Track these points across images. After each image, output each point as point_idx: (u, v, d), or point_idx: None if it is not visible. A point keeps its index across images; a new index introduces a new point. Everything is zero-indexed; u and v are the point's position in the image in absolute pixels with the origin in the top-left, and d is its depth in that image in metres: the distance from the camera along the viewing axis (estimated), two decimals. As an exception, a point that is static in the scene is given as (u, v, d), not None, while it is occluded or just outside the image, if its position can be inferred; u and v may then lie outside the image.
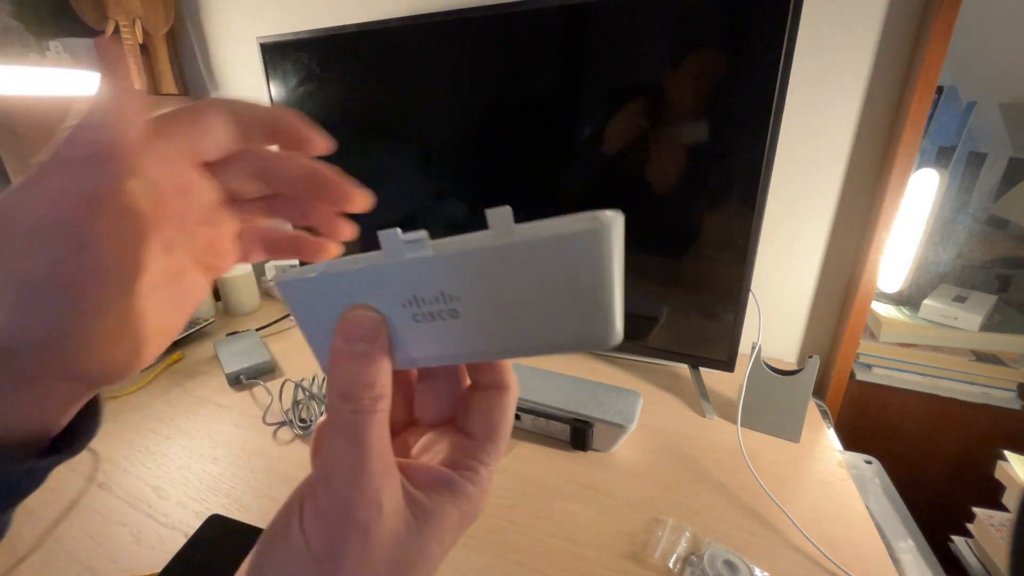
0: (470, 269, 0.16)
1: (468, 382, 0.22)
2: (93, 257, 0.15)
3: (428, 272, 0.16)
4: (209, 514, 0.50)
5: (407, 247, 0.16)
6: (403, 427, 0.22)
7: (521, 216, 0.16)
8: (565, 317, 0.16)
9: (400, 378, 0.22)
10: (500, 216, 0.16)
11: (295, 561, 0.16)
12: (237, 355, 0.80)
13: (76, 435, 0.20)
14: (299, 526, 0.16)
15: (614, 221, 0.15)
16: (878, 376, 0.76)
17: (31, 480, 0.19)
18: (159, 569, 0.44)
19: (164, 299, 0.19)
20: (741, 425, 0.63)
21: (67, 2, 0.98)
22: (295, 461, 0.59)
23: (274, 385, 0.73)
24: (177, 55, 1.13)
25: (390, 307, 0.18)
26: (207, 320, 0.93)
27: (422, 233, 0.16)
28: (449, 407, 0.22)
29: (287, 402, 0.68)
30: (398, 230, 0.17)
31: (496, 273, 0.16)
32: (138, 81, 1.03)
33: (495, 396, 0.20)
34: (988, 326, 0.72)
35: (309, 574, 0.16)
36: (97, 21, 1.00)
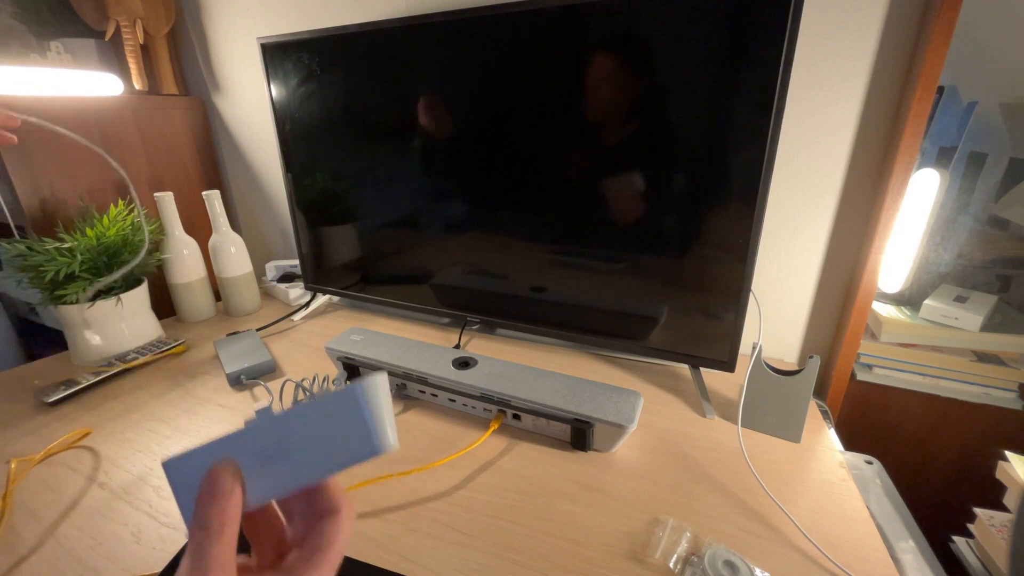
0: (292, 422, 0.25)
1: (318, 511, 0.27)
2: None
3: (270, 427, 0.25)
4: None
5: (258, 414, 0.25)
6: (274, 563, 0.27)
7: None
8: (355, 439, 0.24)
9: (267, 527, 0.27)
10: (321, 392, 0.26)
11: None
12: (237, 355, 0.80)
13: None
14: None
15: (373, 382, 0.24)
16: (879, 376, 0.76)
17: None
18: (160, 569, 0.44)
19: None
20: (742, 425, 0.63)
21: (68, 2, 0.98)
22: (295, 461, 0.59)
23: (275, 385, 0.73)
24: (178, 55, 1.13)
25: (245, 459, 0.24)
26: (175, 342, 0.86)
27: (266, 404, 0.27)
28: (303, 533, 0.27)
29: (287, 402, 0.68)
30: (270, 408, 0.26)
31: (313, 419, 0.24)
32: (139, 81, 1.04)
33: (331, 520, 0.25)
34: (989, 326, 0.72)
35: None
36: (98, 21, 1.00)
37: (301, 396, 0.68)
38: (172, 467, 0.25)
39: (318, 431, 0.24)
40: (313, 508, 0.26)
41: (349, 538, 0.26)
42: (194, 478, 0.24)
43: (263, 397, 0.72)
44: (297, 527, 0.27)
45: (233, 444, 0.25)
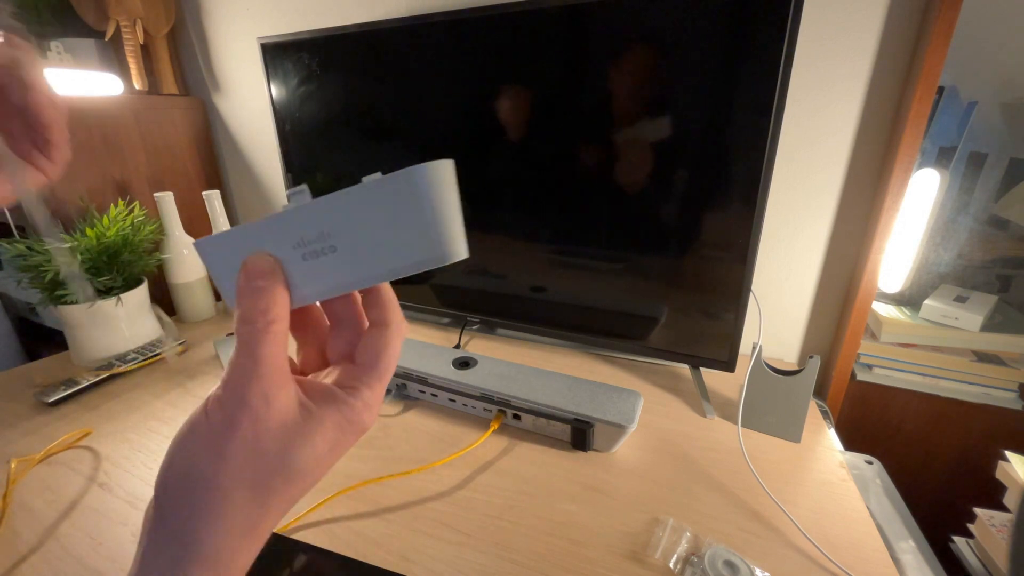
0: (340, 209, 0.21)
1: (367, 326, 0.25)
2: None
3: (309, 216, 0.21)
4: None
5: (292, 198, 0.21)
6: (319, 367, 0.27)
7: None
8: (412, 238, 0.20)
9: (314, 329, 0.27)
10: (370, 177, 0.21)
11: (197, 439, 0.20)
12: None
13: None
14: (203, 413, 0.21)
15: (436, 165, 0.20)
16: (879, 376, 0.76)
17: None
18: (160, 569, 0.44)
19: None
20: (742, 425, 0.63)
21: (68, 3, 0.98)
22: (295, 461, 0.59)
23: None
24: (178, 55, 1.13)
25: (283, 251, 0.22)
26: (175, 342, 0.88)
27: (303, 186, 0.22)
28: (352, 348, 0.26)
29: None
30: (305, 188, 0.22)
31: (359, 209, 0.20)
32: (139, 81, 1.04)
33: (379, 332, 0.24)
34: (989, 326, 0.72)
35: (207, 443, 0.20)
36: (98, 22, 1.00)
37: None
38: (205, 246, 0.23)
39: (368, 224, 0.21)
40: (359, 317, 0.25)
41: (398, 358, 0.24)
42: (233, 261, 0.22)
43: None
44: (342, 334, 0.26)
45: (268, 230, 0.22)
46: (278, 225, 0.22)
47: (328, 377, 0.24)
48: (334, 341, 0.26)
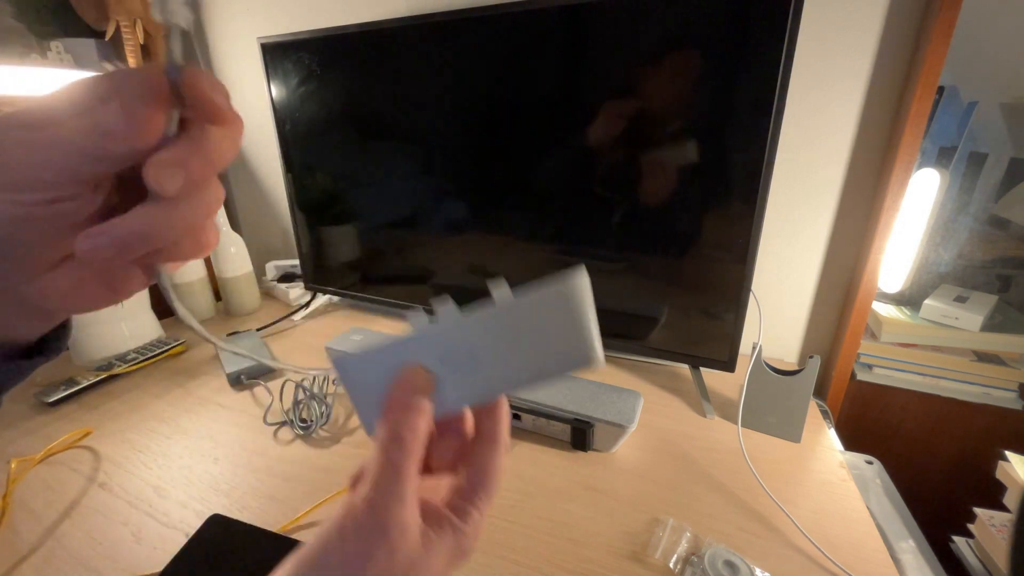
0: (491, 325, 0.21)
1: (471, 435, 0.25)
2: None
3: (457, 333, 0.22)
4: (210, 514, 0.50)
5: (438, 312, 0.22)
6: (420, 474, 0.26)
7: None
8: (558, 351, 0.21)
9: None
10: (499, 287, 0.22)
11: (331, 569, 0.20)
12: (238, 355, 0.80)
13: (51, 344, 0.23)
14: (338, 537, 0.20)
15: (580, 277, 0.21)
16: (879, 376, 0.76)
17: (17, 376, 0.22)
18: (160, 569, 0.44)
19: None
20: (742, 425, 0.63)
21: (68, 2, 0.98)
22: (295, 461, 0.59)
23: (275, 385, 0.73)
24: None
25: (430, 365, 0.22)
26: (175, 342, 0.86)
27: (447, 300, 0.22)
28: (455, 458, 0.25)
29: (287, 402, 0.68)
30: (423, 314, 0.23)
31: (510, 324, 0.21)
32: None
33: (490, 448, 0.24)
34: (989, 326, 0.72)
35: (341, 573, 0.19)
36: (98, 22, 1.00)
37: (301, 396, 0.68)
38: (343, 364, 0.23)
39: (517, 338, 0.21)
40: (465, 426, 0.24)
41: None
42: (372, 379, 0.22)
43: (263, 397, 0.72)
44: (448, 442, 0.25)
45: (417, 347, 0.22)
46: (425, 341, 0.22)
47: (437, 493, 0.24)
48: (439, 449, 0.25)
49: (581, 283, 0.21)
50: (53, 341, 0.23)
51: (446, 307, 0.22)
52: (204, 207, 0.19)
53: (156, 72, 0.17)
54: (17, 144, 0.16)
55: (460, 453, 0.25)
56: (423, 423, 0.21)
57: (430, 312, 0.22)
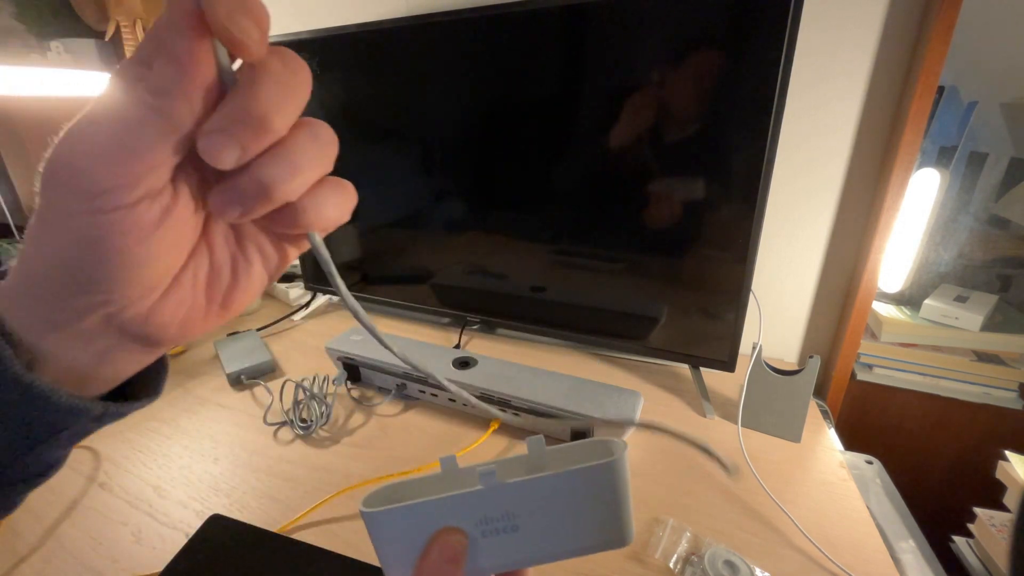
0: (532, 493, 0.21)
1: None
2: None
3: (499, 498, 0.21)
4: (210, 514, 0.50)
5: (482, 478, 0.21)
6: None
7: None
8: (597, 523, 0.21)
9: None
10: (535, 443, 0.23)
11: None
12: (237, 355, 0.80)
13: (146, 385, 0.23)
14: None
15: (624, 450, 0.21)
16: (879, 376, 0.76)
17: (106, 421, 0.22)
18: (160, 569, 0.44)
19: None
20: (742, 425, 0.63)
21: (68, 3, 0.98)
22: (295, 461, 0.59)
23: (275, 385, 0.73)
24: (178, 55, 1.13)
25: (467, 527, 0.21)
26: None
27: (492, 466, 0.21)
28: None
29: (287, 402, 0.68)
30: (454, 457, 0.23)
31: (550, 494, 0.21)
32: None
33: None
34: (989, 326, 0.72)
35: None
36: (98, 22, 1.00)
37: (301, 396, 0.68)
38: (376, 520, 0.22)
39: (558, 508, 0.21)
40: None
41: None
42: (402, 534, 0.21)
43: (263, 397, 0.72)
44: None
45: (453, 507, 0.21)
46: (465, 503, 0.21)
47: None
48: None
49: (624, 457, 0.20)
50: (151, 380, 0.23)
51: (490, 471, 0.21)
52: (307, 151, 0.17)
53: (185, 2, 0.14)
54: (83, 155, 0.15)
55: None
56: None
57: (463, 470, 0.22)
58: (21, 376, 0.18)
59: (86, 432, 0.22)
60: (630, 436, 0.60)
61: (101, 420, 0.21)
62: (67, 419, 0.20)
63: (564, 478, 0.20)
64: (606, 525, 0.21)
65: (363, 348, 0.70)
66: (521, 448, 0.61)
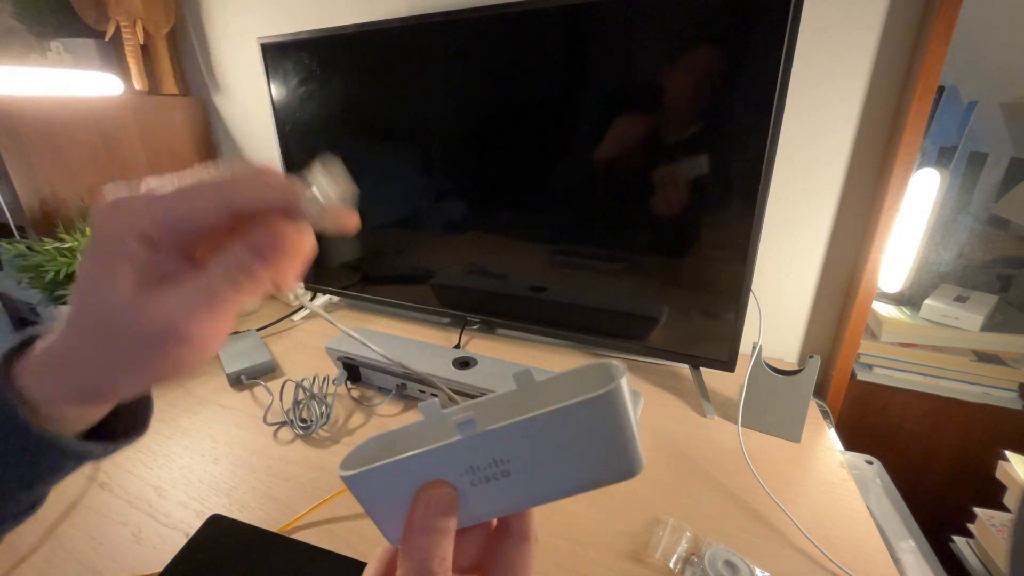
0: (517, 437, 0.19)
1: (494, 527, 0.23)
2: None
3: (482, 445, 0.19)
4: (210, 514, 0.50)
5: (459, 428, 0.19)
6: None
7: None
8: (597, 458, 0.19)
9: None
10: (523, 377, 0.21)
11: None
12: (237, 355, 0.80)
13: (128, 425, 0.25)
14: None
15: (623, 375, 0.19)
16: (879, 376, 0.75)
17: (85, 460, 0.23)
18: (160, 569, 0.44)
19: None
20: (742, 425, 0.63)
21: (68, 2, 0.98)
22: (295, 461, 0.59)
23: (275, 385, 0.73)
24: (178, 55, 1.13)
25: (453, 478, 0.20)
26: None
27: (470, 413, 0.19)
28: (479, 554, 0.23)
29: (287, 402, 0.68)
30: (436, 403, 0.21)
31: (539, 435, 0.19)
32: (139, 81, 1.04)
33: (520, 545, 0.22)
34: (989, 326, 0.72)
35: None
36: (98, 22, 1.00)
37: (301, 396, 0.68)
38: (360, 481, 0.20)
39: (551, 447, 0.19)
40: (499, 527, 0.23)
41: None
42: (388, 491, 0.20)
43: (263, 397, 0.72)
44: (472, 539, 0.23)
45: (435, 460, 0.20)
46: (447, 455, 0.19)
47: None
48: (462, 546, 0.23)
49: (622, 384, 0.18)
50: (140, 415, 0.25)
51: (467, 417, 0.19)
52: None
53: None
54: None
55: (485, 548, 0.23)
56: (450, 547, 0.19)
57: (461, 424, 0.19)
58: (30, 426, 0.20)
59: (75, 469, 0.24)
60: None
61: (92, 460, 0.23)
62: (69, 462, 0.22)
63: (553, 416, 0.18)
64: (609, 458, 0.19)
65: (363, 348, 0.70)
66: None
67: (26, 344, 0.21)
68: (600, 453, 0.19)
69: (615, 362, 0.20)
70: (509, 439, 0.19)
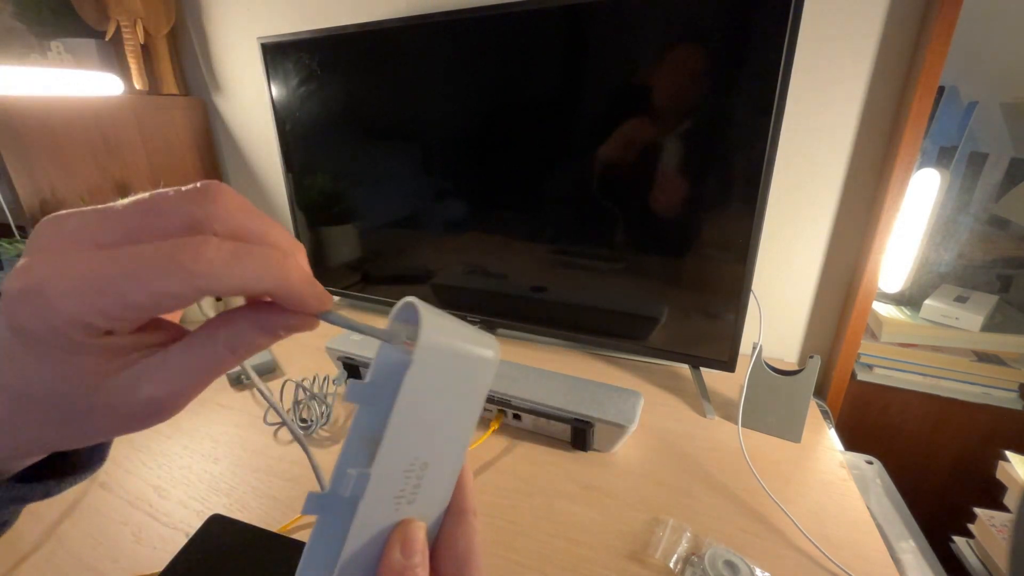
0: (400, 438, 0.18)
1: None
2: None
3: (387, 474, 0.18)
4: (210, 514, 0.50)
5: (356, 488, 0.17)
6: None
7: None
8: (466, 374, 0.19)
9: None
10: (354, 390, 0.20)
11: None
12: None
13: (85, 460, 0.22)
14: None
15: (421, 309, 0.18)
16: (879, 376, 0.75)
17: (38, 496, 0.21)
18: (160, 569, 0.44)
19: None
20: (742, 425, 0.63)
21: (68, 2, 0.98)
22: (295, 461, 0.59)
23: (275, 385, 0.73)
24: (178, 55, 1.13)
25: (393, 516, 0.19)
26: None
27: (351, 473, 0.18)
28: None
29: (288, 402, 0.68)
30: (314, 496, 0.18)
31: (411, 416, 0.18)
32: (140, 81, 1.04)
33: (463, 522, 0.20)
34: (989, 326, 0.72)
35: None
36: (98, 21, 1.00)
37: (301, 396, 0.68)
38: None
39: (430, 410, 0.19)
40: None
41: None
42: (363, 555, 0.18)
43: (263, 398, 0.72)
44: None
45: (369, 524, 0.18)
46: (371, 514, 0.18)
47: None
48: None
49: (427, 313, 0.18)
50: (95, 450, 0.22)
51: (362, 474, 0.18)
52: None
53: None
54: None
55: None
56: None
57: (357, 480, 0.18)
58: None
59: (13, 515, 0.22)
60: (630, 436, 0.60)
61: (34, 501, 0.21)
62: (4, 508, 0.20)
63: (410, 390, 0.17)
64: (471, 367, 0.19)
65: (363, 348, 0.70)
66: (521, 448, 0.61)
67: None
68: (461, 370, 0.19)
69: (407, 300, 0.19)
70: (398, 447, 0.18)
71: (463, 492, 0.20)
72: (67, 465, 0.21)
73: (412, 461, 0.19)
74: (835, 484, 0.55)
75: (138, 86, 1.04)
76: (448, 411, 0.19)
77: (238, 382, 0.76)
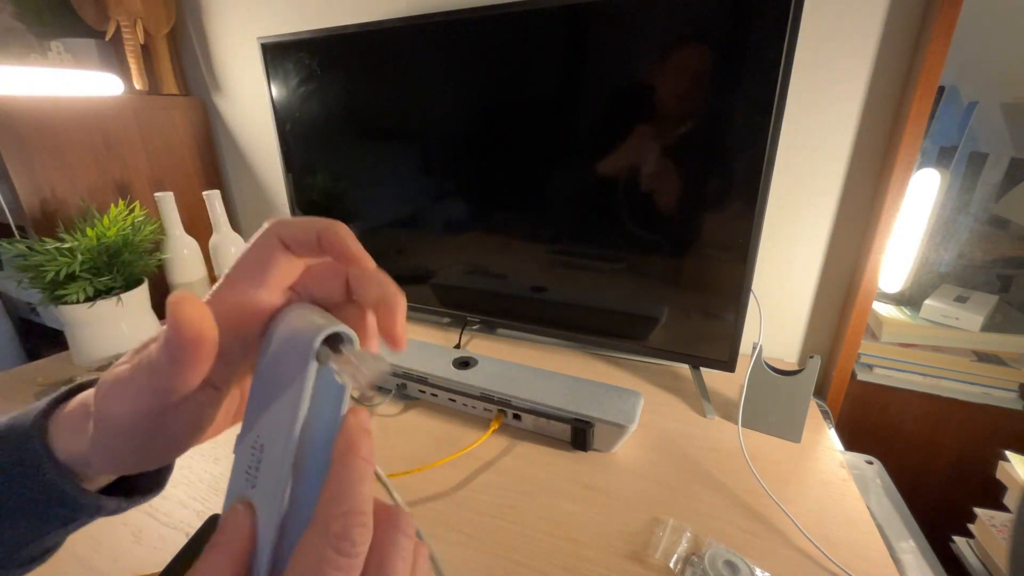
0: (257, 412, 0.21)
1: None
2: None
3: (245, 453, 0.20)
4: (210, 514, 0.49)
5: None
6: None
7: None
8: (279, 365, 0.20)
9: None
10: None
11: None
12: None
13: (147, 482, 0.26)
14: None
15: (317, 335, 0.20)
16: (879, 376, 0.75)
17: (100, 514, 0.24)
18: (160, 569, 0.44)
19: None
20: (742, 425, 0.63)
21: (68, 2, 0.98)
22: (296, 461, 0.59)
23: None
24: (178, 55, 1.13)
25: (242, 495, 0.20)
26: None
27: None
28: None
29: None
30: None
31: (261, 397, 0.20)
32: (140, 81, 1.04)
33: (303, 539, 0.18)
34: (989, 326, 0.72)
35: None
36: (98, 21, 1.00)
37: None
38: None
39: (267, 390, 0.20)
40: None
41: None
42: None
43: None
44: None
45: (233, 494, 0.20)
46: (240, 461, 0.21)
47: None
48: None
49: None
50: (161, 474, 0.27)
51: (244, 499, 0.19)
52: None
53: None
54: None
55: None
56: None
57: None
58: (56, 482, 0.22)
59: (87, 523, 0.25)
60: (630, 436, 0.60)
61: (105, 515, 0.24)
62: (83, 516, 0.23)
63: (263, 377, 0.20)
64: (288, 354, 0.20)
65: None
66: (521, 448, 0.61)
67: (69, 396, 0.23)
68: (285, 349, 0.20)
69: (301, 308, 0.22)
70: (251, 413, 0.21)
71: (326, 502, 0.18)
72: (130, 488, 0.25)
73: (256, 437, 0.20)
74: (835, 484, 0.55)
75: (138, 86, 1.04)
76: (276, 388, 0.20)
77: (238, 382, 0.76)
